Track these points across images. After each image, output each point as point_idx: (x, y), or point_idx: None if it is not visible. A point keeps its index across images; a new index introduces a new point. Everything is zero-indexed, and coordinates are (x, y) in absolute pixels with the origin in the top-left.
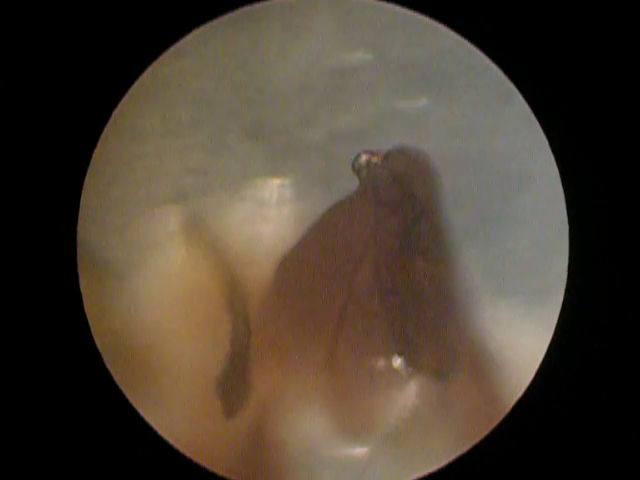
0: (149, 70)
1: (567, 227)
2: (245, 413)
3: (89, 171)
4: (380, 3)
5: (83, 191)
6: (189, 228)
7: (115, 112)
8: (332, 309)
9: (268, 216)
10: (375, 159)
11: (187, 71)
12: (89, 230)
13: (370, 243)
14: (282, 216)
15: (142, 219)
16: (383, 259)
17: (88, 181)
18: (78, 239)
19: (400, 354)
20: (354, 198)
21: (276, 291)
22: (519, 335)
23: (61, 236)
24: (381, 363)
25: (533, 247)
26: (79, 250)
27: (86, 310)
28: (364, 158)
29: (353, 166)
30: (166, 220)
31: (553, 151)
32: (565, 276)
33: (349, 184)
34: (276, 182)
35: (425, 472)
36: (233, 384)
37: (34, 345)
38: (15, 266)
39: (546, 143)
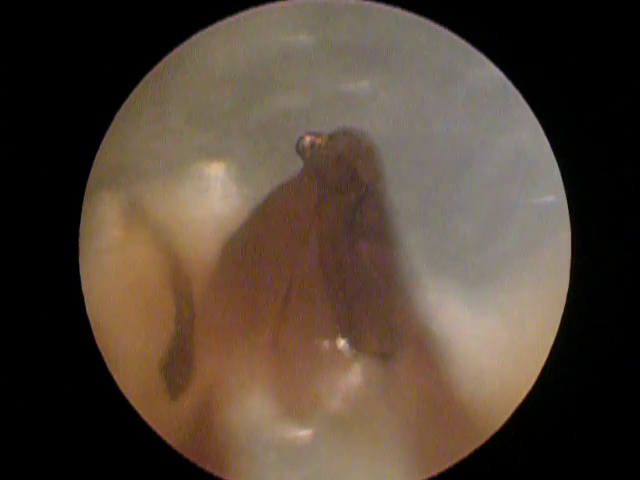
0: None
1: (512, 210)
2: (190, 395)
3: None
4: None
5: None
6: (131, 212)
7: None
8: (276, 291)
9: (212, 198)
10: (319, 140)
11: None
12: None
13: (314, 224)
14: (226, 198)
15: (85, 203)
16: (327, 240)
17: None
18: None
19: (344, 335)
20: (298, 179)
21: (220, 273)
22: (463, 317)
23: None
24: (325, 344)
25: (477, 230)
26: None
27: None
28: (308, 140)
29: (297, 147)
30: (108, 204)
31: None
32: (509, 259)
33: (293, 166)
34: (219, 164)
35: (369, 455)
36: (177, 366)
37: (33, 343)
38: (15, 266)
39: (497, 125)
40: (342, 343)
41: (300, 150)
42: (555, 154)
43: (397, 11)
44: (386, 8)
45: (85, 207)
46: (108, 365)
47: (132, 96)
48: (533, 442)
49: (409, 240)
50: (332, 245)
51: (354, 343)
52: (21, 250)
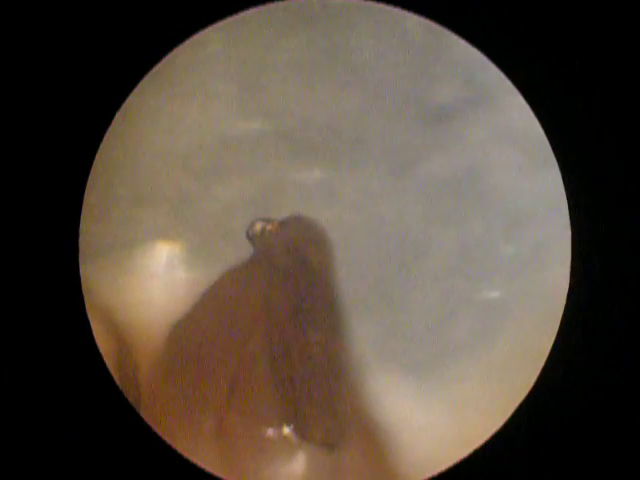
0: None
1: (461, 303)
2: None
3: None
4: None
5: None
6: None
7: None
8: (223, 376)
9: (159, 282)
10: (270, 227)
11: None
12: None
13: (262, 310)
14: (174, 282)
15: None
16: (275, 327)
17: None
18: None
19: (289, 423)
20: (247, 265)
21: (167, 358)
22: (409, 406)
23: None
24: (271, 432)
25: (425, 321)
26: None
27: None
28: (259, 226)
29: (247, 234)
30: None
31: None
32: (459, 349)
33: (242, 252)
34: (167, 247)
35: None
36: None
37: (33, 344)
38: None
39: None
40: (287, 430)
41: (250, 236)
42: (556, 155)
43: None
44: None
45: None
46: None
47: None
48: (533, 442)
49: (357, 329)
50: (280, 331)
51: (299, 431)
52: (20, 250)
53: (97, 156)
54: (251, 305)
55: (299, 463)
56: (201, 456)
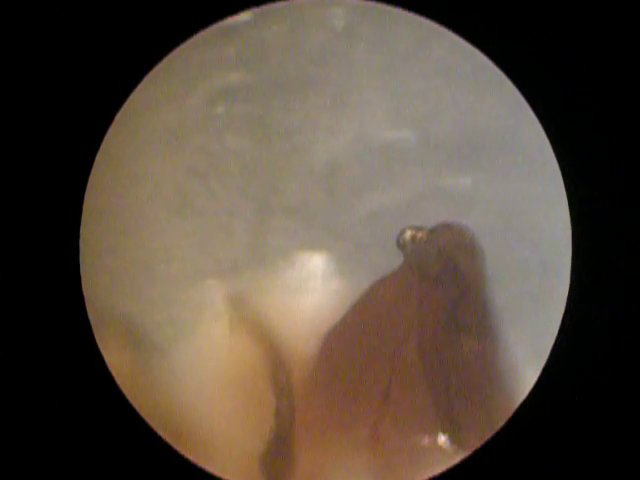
0: None
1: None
2: None
3: None
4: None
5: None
6: (231, 303)
7: None
8: (376, 386)
9: (311, 291)
10: (420, 234)
11: None
12: (117, 299)
13: (415, 319)
14: (326, 291)
15: (183, 294)
16: (428, 335)
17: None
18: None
19: (445, 431)
20: (398, 274)
21: (320, 367)
22: None
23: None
24: (425, 440)
25: None
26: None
27: (120, 385)
28: (409, 233)
29: (398, 241)
30: (207, 295)
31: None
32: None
33: (393, 260)
34: (320, 257)
35: None
36: (277, 460)
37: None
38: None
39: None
40: (442, 439)
41: (401, 244)
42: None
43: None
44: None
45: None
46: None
47: None
48: (533, 442)
49: (510, 334)
50: (433, 339)
51: (455, 439)
52: (20, 250)
53: (97, 156)
54: (404, 313)
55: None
56: (356, 467)
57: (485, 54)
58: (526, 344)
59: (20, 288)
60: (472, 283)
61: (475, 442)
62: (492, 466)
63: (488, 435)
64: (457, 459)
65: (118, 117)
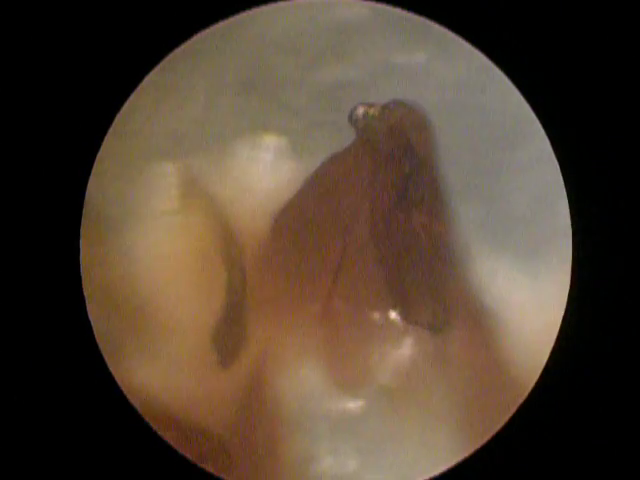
0: None
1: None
2: (241, 365)
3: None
4: None
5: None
6: (184, 182)
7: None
8: (328, 262)
9: (264, 169)
10: (372, 111)
11: None
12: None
13: (366, 195)
14: (278, 169)
15: (139, 173)
16: (379, 211)
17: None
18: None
19: (396, 307)
20: (351, 150)
21: (272, 244)
22: (516, 290)
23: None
24: (377, 316)
25: (530, 201)
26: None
27: (81, 262)
28: (361, 110)
29: (350, 118)
30: (162, 174)
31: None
32: (567, 230)
33: (346, 137)
34: (271, 135)
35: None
36: (229, 333)
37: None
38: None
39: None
40: (393, 315)
41: (353, 120)
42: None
43: None
44: None
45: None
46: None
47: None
48: (533, 442)
49: (462, 211)
50: (384, 216)
51: (406, 315)
52: (20, 250)
53: (98, 155)
54: (355, 189)
55: (405, 347)
56: (308, 341)
57: None
58: (477, 222)
59: (20, 288)
60: (424, 159)
61: (426, 317)
62: (492, 466)
63: (439, 310)
64: (408, 336)
65: (118, 117)
